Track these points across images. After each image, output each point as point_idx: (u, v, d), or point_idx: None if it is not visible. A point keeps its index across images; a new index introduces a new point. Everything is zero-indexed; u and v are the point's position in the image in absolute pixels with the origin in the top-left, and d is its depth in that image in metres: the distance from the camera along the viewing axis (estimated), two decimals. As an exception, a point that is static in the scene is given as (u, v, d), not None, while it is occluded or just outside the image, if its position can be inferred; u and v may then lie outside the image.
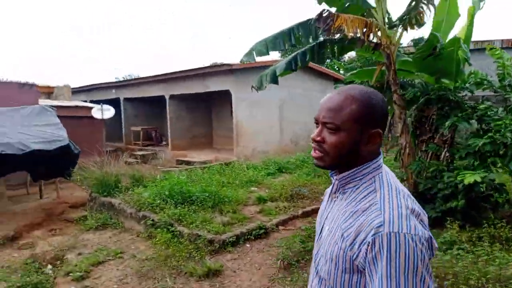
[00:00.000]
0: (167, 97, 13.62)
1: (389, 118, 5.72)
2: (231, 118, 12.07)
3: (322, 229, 1.22)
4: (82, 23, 77.90)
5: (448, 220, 4.37)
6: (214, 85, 11.92)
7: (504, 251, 3.75)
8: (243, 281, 4.25)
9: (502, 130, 4.39)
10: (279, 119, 12.64)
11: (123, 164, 8.50)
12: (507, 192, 4.85)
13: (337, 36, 4.57)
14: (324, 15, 4.33)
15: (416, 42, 5.11)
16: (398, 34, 5.31)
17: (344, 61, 19.12)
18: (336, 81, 13.51)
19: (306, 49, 5.31)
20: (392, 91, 5.29)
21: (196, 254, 4.74)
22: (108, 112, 10.73)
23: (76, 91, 17.08)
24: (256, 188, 7.72)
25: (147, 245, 5.45)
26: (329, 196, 1.26)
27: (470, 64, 4.93)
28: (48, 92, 13.08)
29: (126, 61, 63.42)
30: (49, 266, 4.91)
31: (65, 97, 13.08)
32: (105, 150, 10.08)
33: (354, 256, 1.02)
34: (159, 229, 5.48)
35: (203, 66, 12.42)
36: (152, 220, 5.74)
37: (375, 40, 5.08)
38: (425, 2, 4.74)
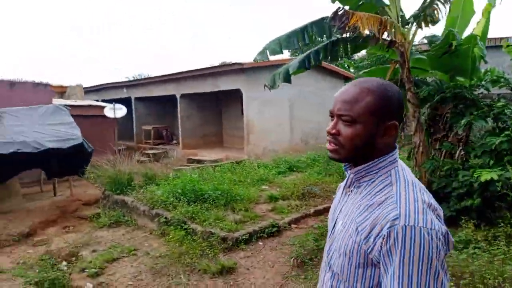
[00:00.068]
0: (178, 96, 13.70)
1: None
2: (241, 117, 12.10)
3: (335, 223, 1.21)
4: (82, 23, 78.55)
5: (463, 219, 4.33)
6: (224, 84, 11.96)
7: (521, 250, 3.71)
8: (257, 278, 4.26)
9: (519, 128, 4.34)
10: (289, 118, 12.63)
11: (136, 162, 8.57)
12: (524, 191, 4.78)
13: (352, 34, 4.55)
14: (339, 13, 4.33)
15: (431, 40, 5.03)
16: (412, 31, 5.27)
17: (354, 59, 19.03)
18: (346, 79, 13.45)
19: (319, 47, 5.30)
20: (406, 89, 5.25)
21: (209, 252, 4.76)
22: (120, 111, 10.83)
23: (88, 91, 17.27)
24: (267, 187, 7.73)
25: (160, 242, 5.49)
26: (343, 190, 1.25)
27: (486, 62, 4.88)
28: (61, 91, 13.24)
29: (126, 61, 63.86)
30: (64, 263, 4.98)
31: (78, 96, 13.24)
32: (117, 148, 10.17)
33: (369, 250, 1.01)
34: (172, 227, 5.52)
35: (214, 65, 12.48)
36: (165, 217, 5.79)
37: (389, 38, 5.05)
38: (441, -1, 4.70)
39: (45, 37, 76.25)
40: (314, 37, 5.14)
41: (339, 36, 5.18)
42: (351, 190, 1.18)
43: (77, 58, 66.80)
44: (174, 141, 15.63)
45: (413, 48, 6.84)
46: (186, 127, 13.90)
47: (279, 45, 5.25)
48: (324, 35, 5.16)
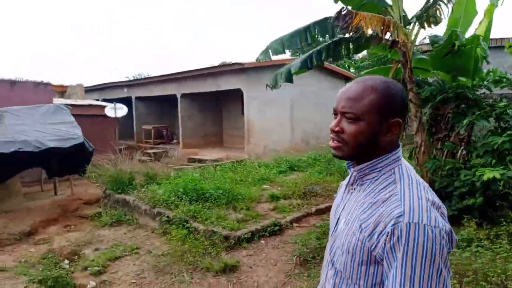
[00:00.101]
0: (178, 96, 13.71)
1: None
2: (242, 116, 12.11)
3: (337, 221, 1.21)
4: (82, 23, 78.04)
5: (465, 218, 4.35)
6: (225, 84, 11.97)
7: (524, 249, 3.72)
8: (259, 276, 4.27)
9: (521, 128, 4.36)
10: (290, 118, 12.65)
11: (137, 162, 8.58)
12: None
13: (355, 33, 4.57)
14: (343, 12, 4.34)
15: (433, 40, 5.04)
16: (415, 32, 5.29)
17: (354, 59, 19.06)
18: (347, 79, 13.47)
19: (321, 47, 5.31)
20: (408, 89, 5.26)
21: (212, 250, 4.77)
22: (121, 110, 10.83)
23: (89, 90, 17.26)
24: (268, 186, 7.74)
25: (162, 241, 5.49)
26: (345, 188, 1.25)
27: (488, 62, 4.89)
28: (62, 91, 13.24)
29: (126, 61, 63.74)
30: (66, 261, 4.97)
31: (78, 96, 13.24)
32: (117, 148, 10.18)
33: (373, 247, 1.01)
34: (174, 226, 5.52)
35: (214, 65, 12.49)
36: (167, 216, 5.79)
37: (391, 38, 5.07)
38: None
39: (45, 37, 76.12)
40: (316, 36, 5.15)
41: (341, 36, 5.20)
42: (354, 188, 1.18)
43: (77, 58, 66.73)
44: (174, 141, 15.64)
45: (414, 48, 6.86)
46: (187, 127, 13.91)
47: (281, 45, 5.27)
48: (327, 35, 5.17)
